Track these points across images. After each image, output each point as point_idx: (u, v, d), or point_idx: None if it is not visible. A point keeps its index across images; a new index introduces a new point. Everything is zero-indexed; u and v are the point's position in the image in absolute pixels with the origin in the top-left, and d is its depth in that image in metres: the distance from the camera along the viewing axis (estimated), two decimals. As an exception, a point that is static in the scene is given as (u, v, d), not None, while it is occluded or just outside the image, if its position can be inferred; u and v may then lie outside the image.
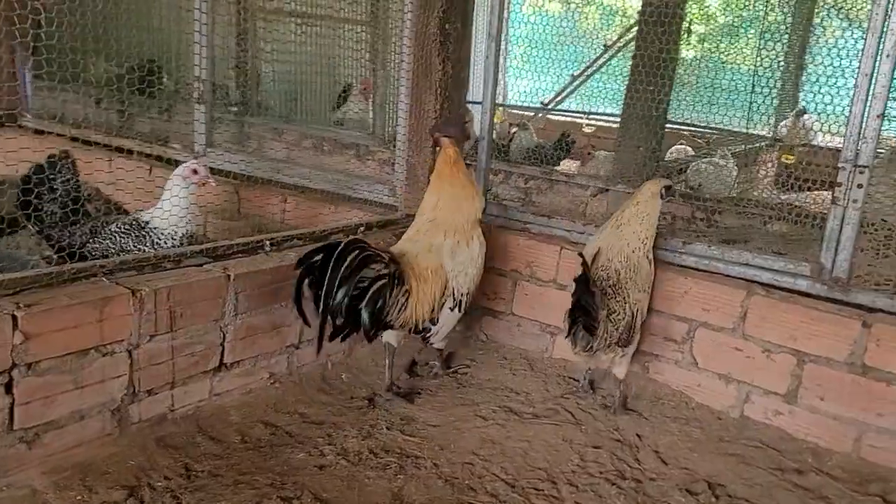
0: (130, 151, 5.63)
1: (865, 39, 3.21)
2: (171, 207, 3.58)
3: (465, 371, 3.97)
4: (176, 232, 3.58)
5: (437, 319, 3.54)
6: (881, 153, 5.57)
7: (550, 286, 4.15)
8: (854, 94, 3.27)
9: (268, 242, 3.51)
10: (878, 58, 3.16)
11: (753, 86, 5.83)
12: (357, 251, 3.16)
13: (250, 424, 3.23)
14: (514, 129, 8.32)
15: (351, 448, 3.12)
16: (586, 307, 3.26)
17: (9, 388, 2.56)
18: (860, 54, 3.24)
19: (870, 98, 3.21)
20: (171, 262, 3.08)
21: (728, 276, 3.72)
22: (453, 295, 3.56)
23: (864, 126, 3.25)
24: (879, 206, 3.70)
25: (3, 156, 5.09)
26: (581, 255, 3.41)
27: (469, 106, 6.40)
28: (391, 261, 3.34)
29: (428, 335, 3.60)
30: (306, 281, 3.11)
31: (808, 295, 3.51)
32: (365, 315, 3.24)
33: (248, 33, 6.51)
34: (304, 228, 3.87)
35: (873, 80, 3.19)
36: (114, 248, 3.37)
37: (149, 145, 5.69)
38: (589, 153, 7.53)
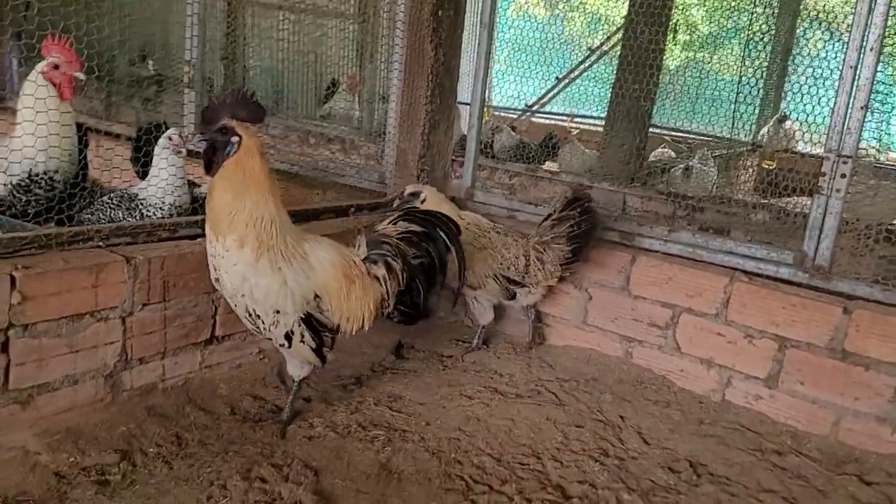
0: (118, 135, 5.62)
1: (850, 31, 3.30)
2: (156, 177, 3.58)
3: (450, 354, 4.02)
4: (164, 202, 3.56)
5: None
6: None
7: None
8: (839, 86, 3.35)
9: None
10: (863, 50, 3.25)
11: (737, 93, 5.94)
12: None
13: (239, 397, 3.25)
14: (493, 132, 8.48)
15: (339, 421, 3.16)
16: None
17: (5, 347, 2.56)
18: (845, 46, 3.32)
19: (854, 89, 3.30)
20: (166, 230, 3.09)
21: (712, 263, 3.79)
22: None
23: (848, 117, 3.33)
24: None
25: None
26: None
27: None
28: None
29: None
30: None
31: (789, 282, 3.59)
32: None
33: (237, 26, 6.54)
34: (296, 206, 3.89)
35: (858, 72, 3.28)
36: (104, 219, 3.36)
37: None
38: (565, 137, 7.74)
